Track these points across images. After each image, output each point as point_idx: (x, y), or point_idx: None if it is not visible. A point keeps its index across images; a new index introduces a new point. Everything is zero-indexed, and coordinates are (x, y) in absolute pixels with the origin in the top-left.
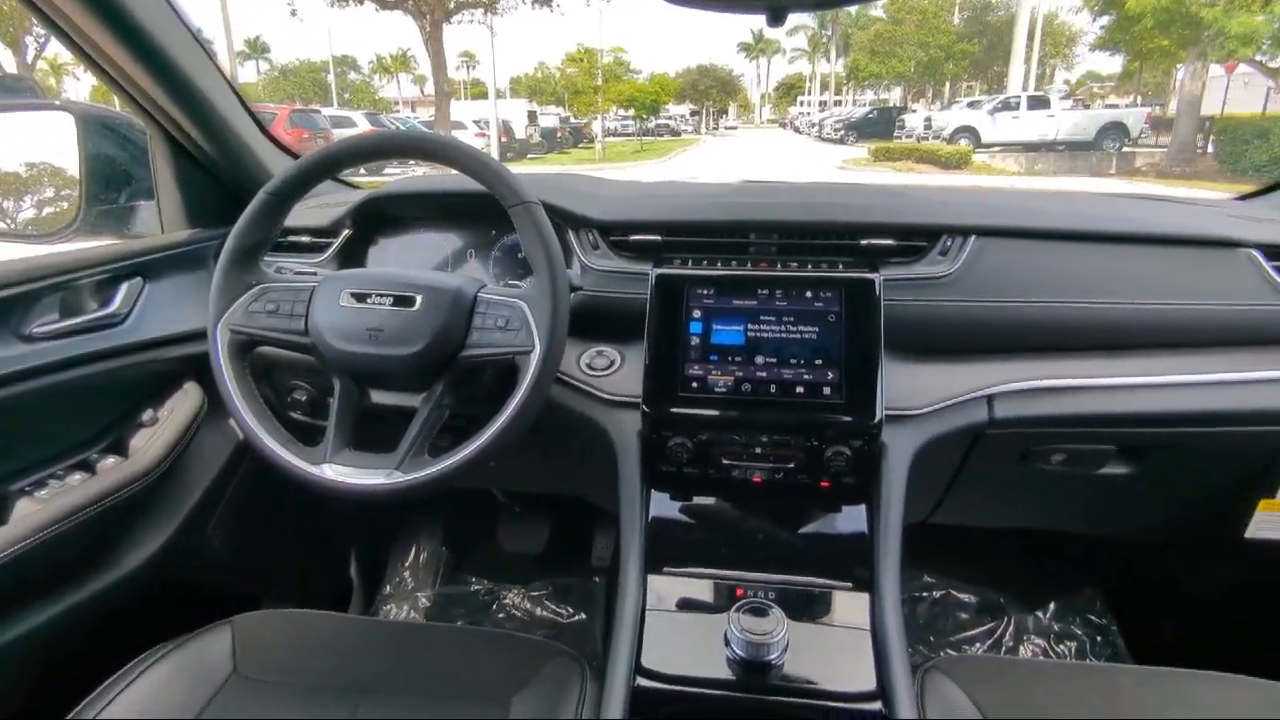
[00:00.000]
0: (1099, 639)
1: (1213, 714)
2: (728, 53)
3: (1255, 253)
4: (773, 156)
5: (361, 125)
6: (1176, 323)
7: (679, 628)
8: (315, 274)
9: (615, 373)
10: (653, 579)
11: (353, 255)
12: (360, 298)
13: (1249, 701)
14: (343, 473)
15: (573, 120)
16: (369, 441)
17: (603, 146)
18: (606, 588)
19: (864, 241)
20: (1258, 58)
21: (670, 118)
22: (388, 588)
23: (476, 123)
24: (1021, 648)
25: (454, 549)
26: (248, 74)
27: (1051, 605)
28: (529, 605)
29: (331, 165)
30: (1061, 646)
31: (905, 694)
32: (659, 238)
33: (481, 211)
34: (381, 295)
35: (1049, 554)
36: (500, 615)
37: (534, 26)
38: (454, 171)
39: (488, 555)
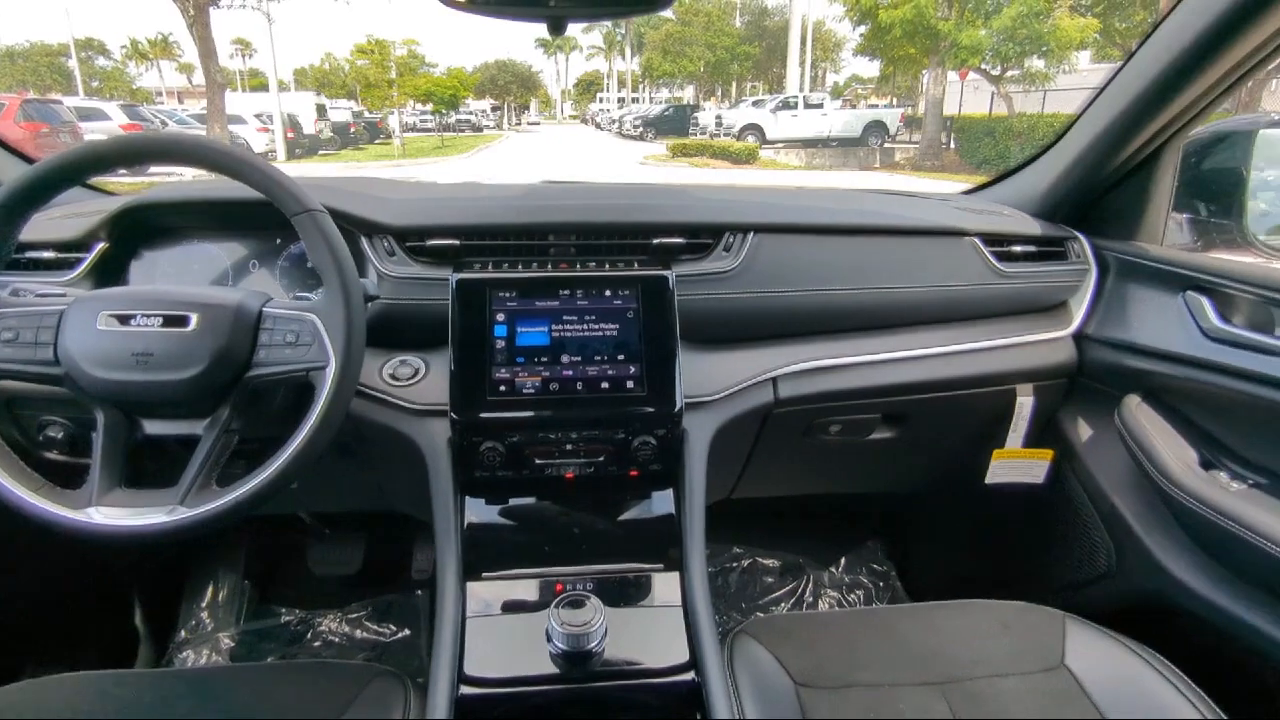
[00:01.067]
0: (881, 585)
1: (957, 635)
2: (526, 48)
3: (977, 240)
4: (577, 152)
5: (117, 119)
6: (922, 302)
7: (501, 631)
8: (64, 295)
9: (420, 381)
10: (472, 586)
11: (111, 272)
12: (123, 319)
13: (984, 620)
14: (114, 515)
15: (367, 115)
16: (148, 477)
17: (401, 142)
18: (429, 600)
19: (656, 241)
20: (983, 66)
21: (471, 113)
22: (182, 633)
23: (258, 116)
24: (820, 601)
25: (258, 580)
26: None
27: (842, 560)
28: (347, 629)
29: (71, 174)
30: (852, 595)
31: (714, 661)
32: (457, 242)
33: (263, 219)
34: (149, 315)
35: (837, 514)
36: (316, 644)
37: (317, 15)
38: None
39: (298, 582)
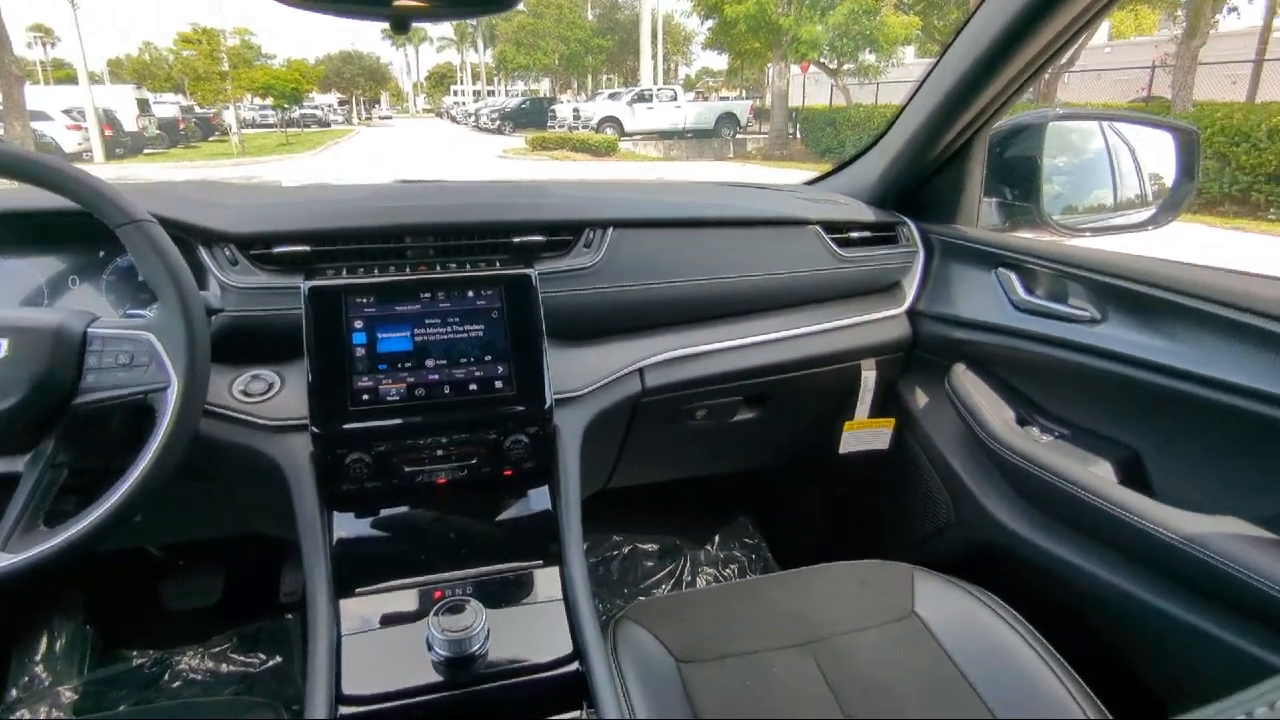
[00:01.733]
0: (753, 557)
1: (820, 597)
2: (373, 40)
3: (819, 229)
4: (434, 147)
5: None
6: (773, 288)
7: (380, 646)
8: None
9: (275, 396)
10: (346, 603)
11: None
12: None
13: (844, 580)
14: None
15: (198, 110)
16: None
17: (240, 139)
18: (301, 623)
19: (516, 239)
20: (822, 60)
21: (317, 107)
22: (13, 692)
23: (68, 113)
24: (698, 579)
25: (102, 625)
26: None
27: (716, 538)
28: (211, 664)
29: None
30: (727, 570)
31: (596, 649)
32: (308, 248)
33: (83, 230)
34: None
35: (709, 495)
36: (176, 684)
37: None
38: None
39: (150, 620)
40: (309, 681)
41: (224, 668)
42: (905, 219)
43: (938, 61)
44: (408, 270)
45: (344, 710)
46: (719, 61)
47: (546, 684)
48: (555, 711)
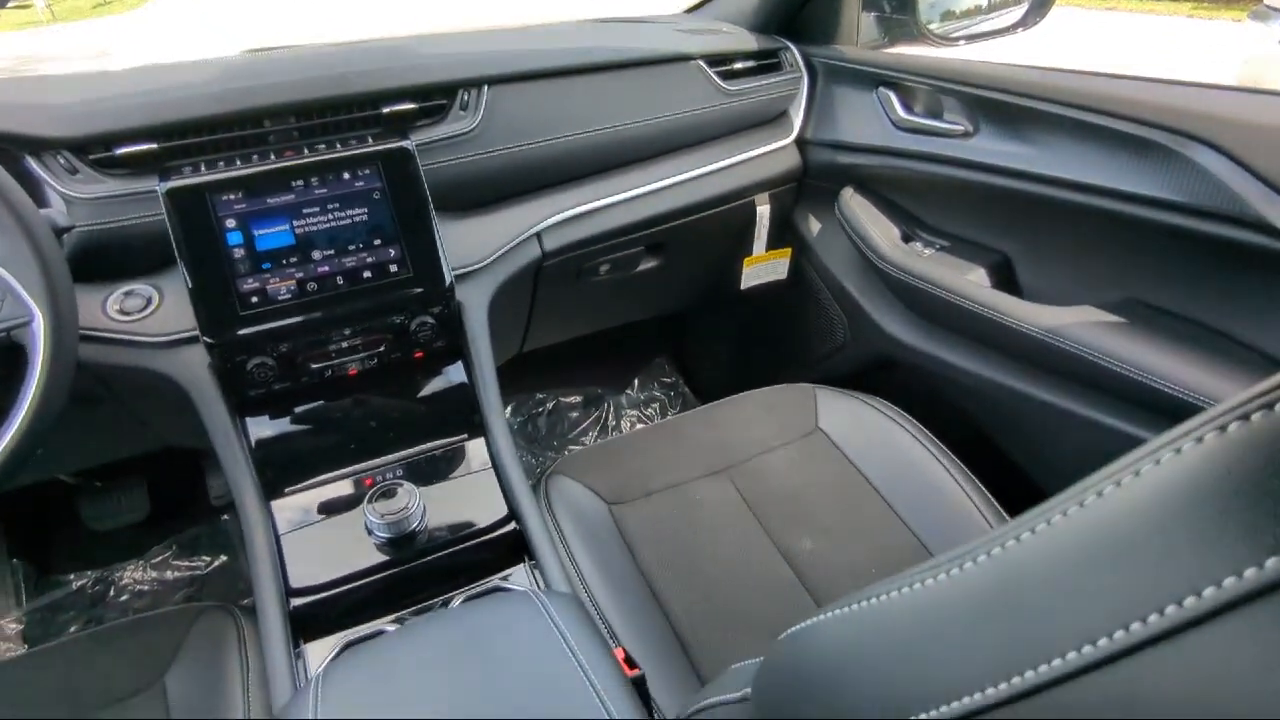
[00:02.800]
0: (672, 394)
1: (733, 425)
2: None
3: (702, 63)
4: None
5: None
6: (661, 132)
7: (320, 538)
8: None
9: (157, 311)
10: (277, 504)
11: None
12: None
13: (754, 407)
14: None
15: None
16: None
17: (47, 2)
18: (239, 522)
19: (386, 109)
20: None
21: None
22: None
23: None
24: (623, 423)
25: (31, 556)
26: None
27: (635, 381)
28: (155, 574)
29: None
30: (649, 410)
31: (530, 507)
32: (155, 145)
33: None
34: None
35: (626, 340)
36: (124, 599)
37: None
38: None
39: (80, 544)
40: (255, 585)
41: (169, 575)
42: (787, 43)
43: None
44: (272, 157)
45: (296, 602)
46: None
47: (489, 546)
48: (500, 569)
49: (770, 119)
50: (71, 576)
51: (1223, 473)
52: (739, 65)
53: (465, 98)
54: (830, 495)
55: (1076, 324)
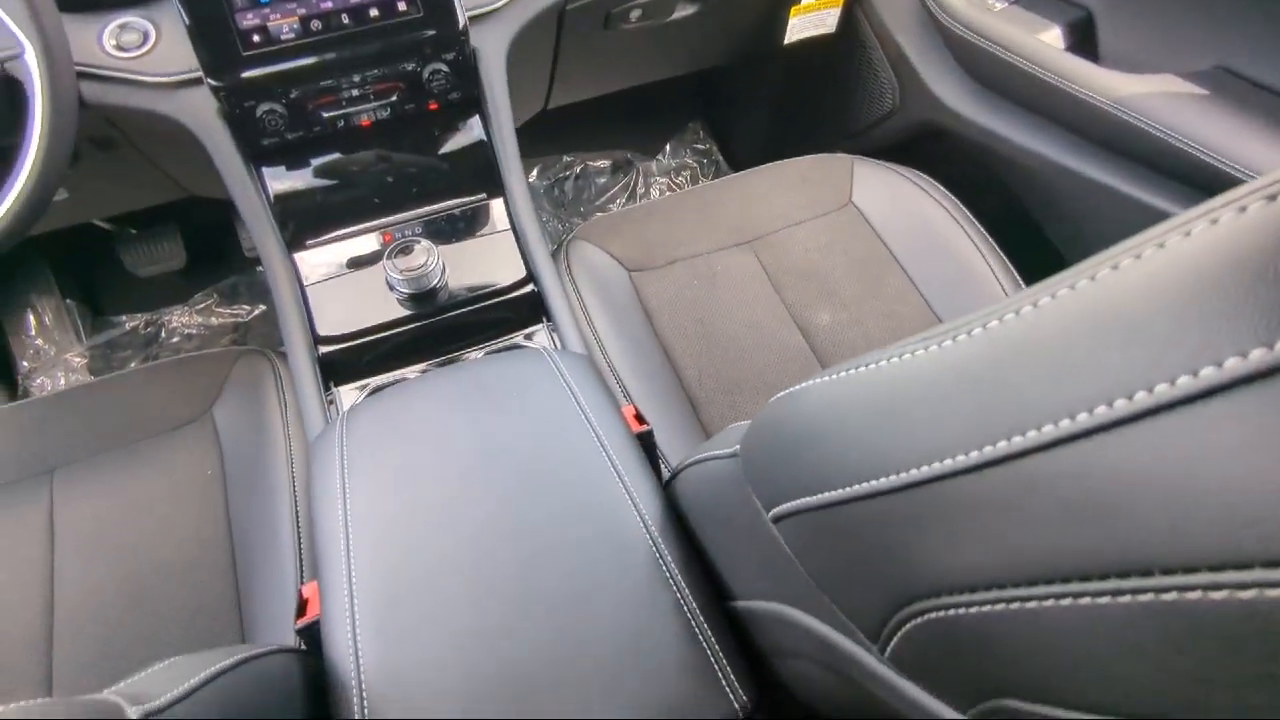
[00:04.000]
0: (705, 161)
1: (763, 196)
2: None
3: None
4: None
5: None
6: None
7: (344, 290)
8: None
9: (155, 47)
10: (300, 256)
11: None
12: None
13: (786, 177)
14: None
15: None
16: None
17: None
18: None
19: None
20: None
21: None
22: (24, 364)
23: None
24: (651, 190)
25: (82, 296)
26: None
27: (667, 147)
28: (199, 319)
29: None
30: (680, 178)
31: (548, 269)
32: None
33: None
34: None
35: (659, 101)
36: (175, 340)
37: None
38: None
39: (126, 289)
40: (284, 333)
41: (214, 320)
42: None
43: None
44: None
45: (324, 349)
46: None
47: (509, 305)
48: (521, 328)
49: None
50: (124, 318)
51: (1257, 248)
52: None
53: None
54: (854, 270)
55: (1152, 94)
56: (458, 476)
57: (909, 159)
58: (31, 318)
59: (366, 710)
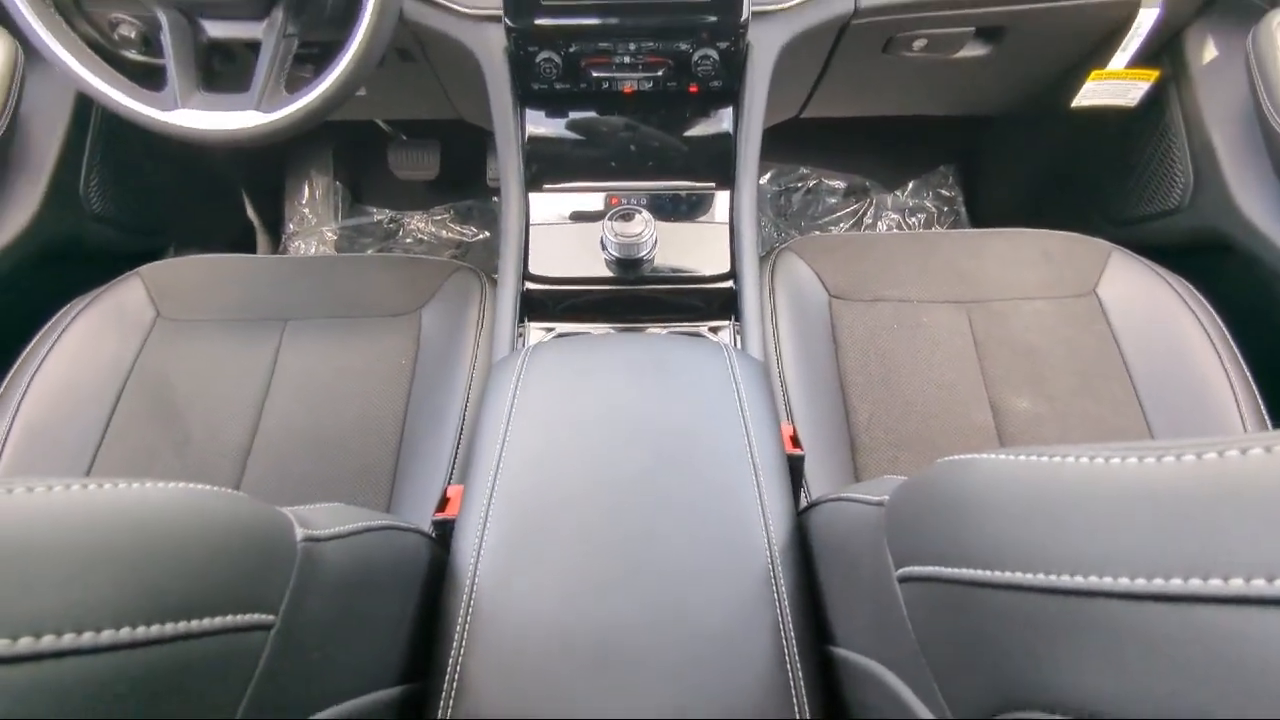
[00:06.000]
0: (945, 209)
1: (996, 260)
2: None
3: None
4: None
5: None
6: None
7: (561, 237)
8: None
9: None
10: (534, 195)
11: None
12: None
13: (1027, 247)
14: (198, 118)
15: None
16: (222, 80)
17: None
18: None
19: None
20: None
21: None
22: (290, 225)
23: None
24: (880, 224)
25: (348, 182)
26: None
27: (909, 184)
28: (433, 228)
29: None
30: (913, 219)
31: (750, 272)
32: None
33: None
34: None
35: (911, 137)
36: (408, 240)
37: None
38: None
39: (384, 184)
40: (502, 258)
41: (443, 233)
42: None
43: None
44: None
45: (530, 286)
46: None
47: (705, 295)
48: (709, 319)
49: None
50: (374, 210)
51: None
52: None
53: None
54: (1073, 364)
55: None
56: (610, 434)
57: (1177, 264)
58: (307, 189)
59: (469, 613)
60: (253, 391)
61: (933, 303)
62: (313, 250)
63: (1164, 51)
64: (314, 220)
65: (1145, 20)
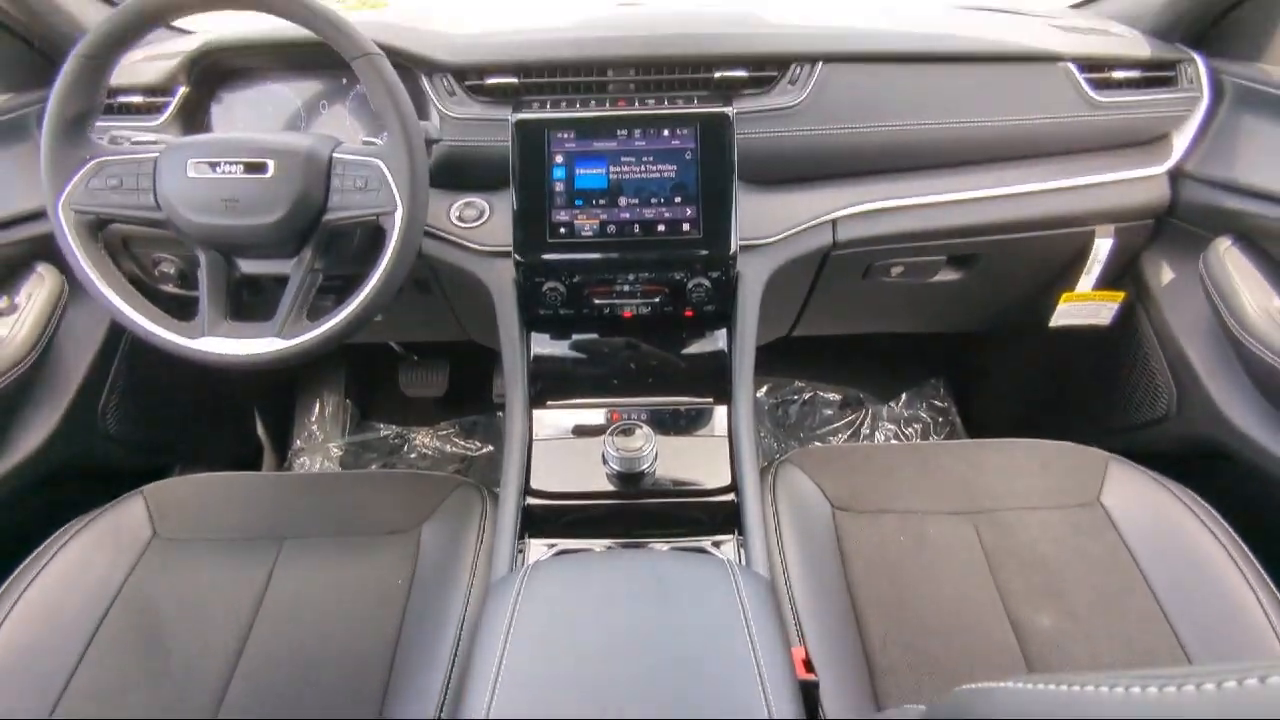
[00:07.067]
0: (940, 420)
1: (996, 470)
2: None
3: (1071, 66)
4: None
5: None
6: (1003, 138)
7: (564, 452)
8: (155, 141)
9: (486, 223)
10: (538, 412)
11: (195, 115)
12: (210, 165)
13: (1025, 458)
14: (222, 344)
15: None
16: (248, 309)
17: None
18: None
19: (718, 74)
20: None
21: None
22: (297, 442)
23: None
24: (877, 434)
25: (358, 400)
26: None
27: (903, 396)
28: (438, 444)
29: (149, 18)
30: (910, 430)
31: (752, 484)
32: (516, 80)
33: (330, 59)
34: (231, 163)
35: (900, 351)
36: (412, 455)
37: None
38: None
39: (392, 402)
40: (505, 473)
41: (448, 448)
42: (1193, 54)
43: None
44: (607, 105)
45: (531, 501)
46: None
47: (706, 508)
48: (711, 533)
49: (1143, 141)
50: (380, 426)
51: None
52: (1119, 74)
53: (797, 72)
54: (1090, 577)
55: None
56: (611, 665)
57: (1177, 472)
58: (317, 406)
59: None
60: (241, 615)
61: (937, 514)
62: (317, 466)
63: (1126, 274)
64: (321, 437)
65: (1102, 248)
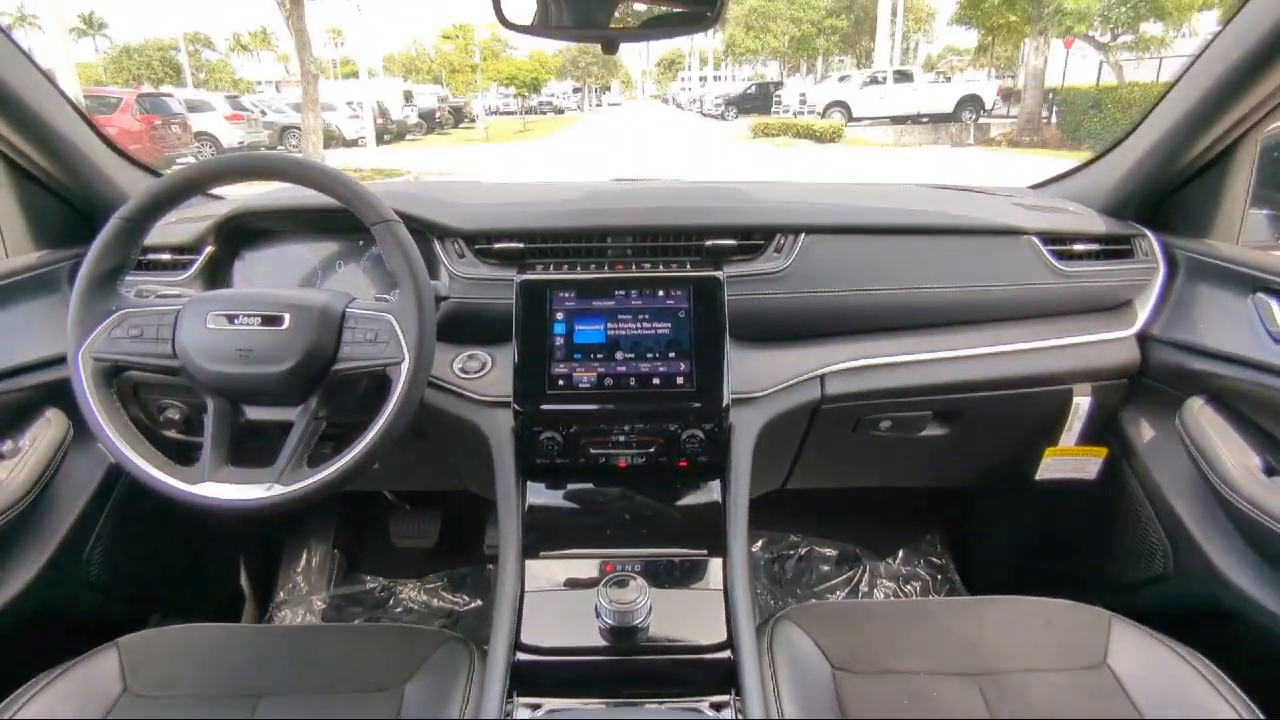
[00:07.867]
0: (939, 577)
1: (999, 629)
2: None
3: (1035, 239)
4: (654, 134)
5: (221, 109)
6: (977, 302)
7: (556, 605)
8: (180, 295)
9: (487, 375)
10: (531, 563)
11: (217, 272)
12: (229, 318)
13: (1028, 616)
14: (221, 490)
15: (452, 100)
16: (249, 455)
17: (485, 127)
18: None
19: (709, 242)
20: (1090, 33)
21: (553, 95)
22: (281, 594)
23: (349, 104)
24: (876, 591)
25: (346, 550)
26: (84, 52)
27: (900, 552)
28: (425, 597)
29: (190, 188)
30: (909, 587)
31: (748, 642)
32: (521, 245)
33: (347, 223)
34: (249, 315)
35: (897, 506)
36: (398, 610)
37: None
38: None
39: (381, 553)
40: (494, 628)
41: (435, 602)
42: (1145, 231)
43: (1200, 53)
44: (606, 268)
45: (521, 656)
46: (966, 38)
47: (700, 666)
48: (706, 693)
49: (1108, 306)
50: (367, 578)
51: None
52: (1079, 247)
53: (781, 241)
54: None
55: None
56: None
57: (1182, 631)
58: (304, 556)
59: None
60: None
61: (942, 675)
62: (299, 619)
63: (1107, 431)
64: (305, 589)
65: (1081, 405)
